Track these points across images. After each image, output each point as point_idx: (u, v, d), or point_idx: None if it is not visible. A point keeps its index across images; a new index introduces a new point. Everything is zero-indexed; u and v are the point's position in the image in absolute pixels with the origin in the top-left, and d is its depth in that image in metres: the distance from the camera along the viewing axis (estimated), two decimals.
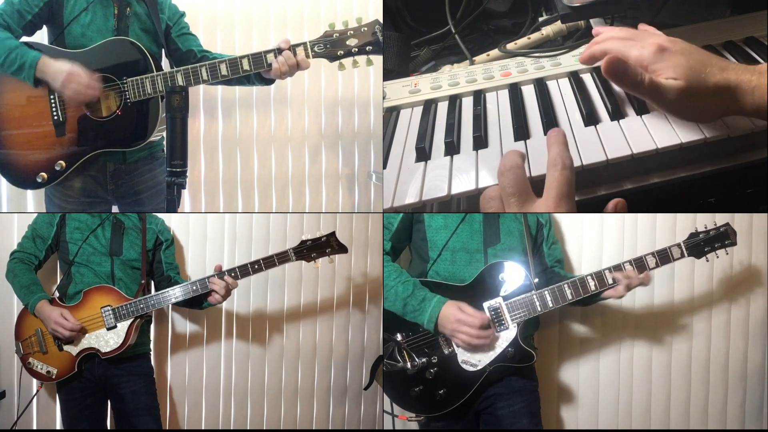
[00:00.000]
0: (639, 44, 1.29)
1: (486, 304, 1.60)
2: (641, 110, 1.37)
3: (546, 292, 1.61)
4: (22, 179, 1.86)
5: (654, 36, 1.32)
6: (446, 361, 1.60)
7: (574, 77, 1.56)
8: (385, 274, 1.65)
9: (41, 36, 1.89)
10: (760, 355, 2.14)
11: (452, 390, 1.60)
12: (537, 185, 1.24)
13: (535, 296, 1.61)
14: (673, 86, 1.22)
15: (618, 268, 1.63)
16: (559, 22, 1.79)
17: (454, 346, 1.60)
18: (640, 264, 1.64)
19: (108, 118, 1.80)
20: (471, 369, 1.59)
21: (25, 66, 1.73)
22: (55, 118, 1.79)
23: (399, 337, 1.61)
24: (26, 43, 1.78)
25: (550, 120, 1.40)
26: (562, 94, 1.51)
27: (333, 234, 1.82)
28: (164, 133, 1.50)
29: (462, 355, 1.60)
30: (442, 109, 1.57)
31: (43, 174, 1.81)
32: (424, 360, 1.59)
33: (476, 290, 1.62)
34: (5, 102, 1.81)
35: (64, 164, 1.81)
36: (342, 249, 1.83)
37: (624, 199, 1.22)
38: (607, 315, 2.07)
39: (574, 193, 1.18)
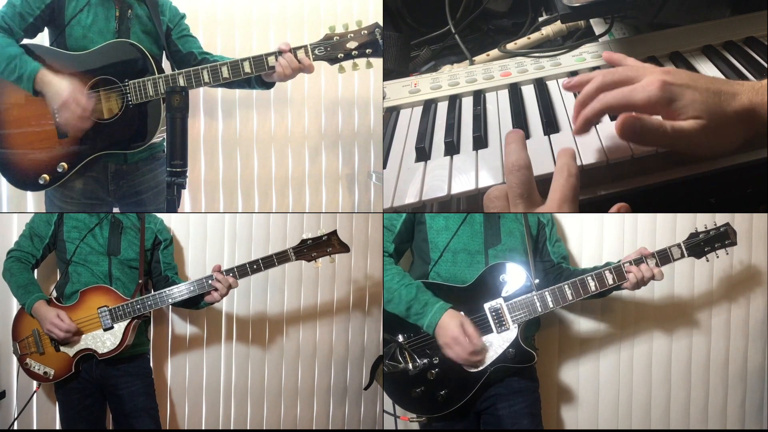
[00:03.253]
0: (639, 87, 1.17)
1: (487, 305, 1.60)
2: None
3: (546, 293, 1.61)
4: (23, 180, 1.85)
5: (646, 70, 1.22)
6: (447, 362, 1.59)
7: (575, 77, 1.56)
8: (388, 276, 1.65)
9: (42, 37, 1.89)
10: (760, 355, 2.14)
11: (453, 391, 1.60)
12: (538, 185, 1.24)
13: (535, 297, 1.60)
14: (696, 127, 1.15)
15: (640, 261, 1.62)
16: (559, 22, 1.79)
17: None
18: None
19: (110, 120, 1.80)
20: (472, 370, 1.59)
21: (24, 78, 1.73)
22: (57, 119, 1.79)
23: (401, 338, 1.61)
24: (28, 49, 1.78)
25: (550, 120, 1.40)
26: (562, 94, 1.51)
27: (334, 233, 1.82)
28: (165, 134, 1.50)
29: None
30: (442, 109, 1.57)
31: (46, 176, 1.81)
32: (425, 361, 1.59)
33: (477, 291, 1.61)
34: (7, 102, 1.80)
35: (66, 166, 1.81)
36: (343, 248, 1.82)
37: (627, 204, 1.20)
38: (607, 315, 2.07)
39: (578, 197, 1.19)
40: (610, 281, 1.61)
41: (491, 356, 1.59)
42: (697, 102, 1.14)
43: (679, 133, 1.15)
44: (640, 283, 1.62)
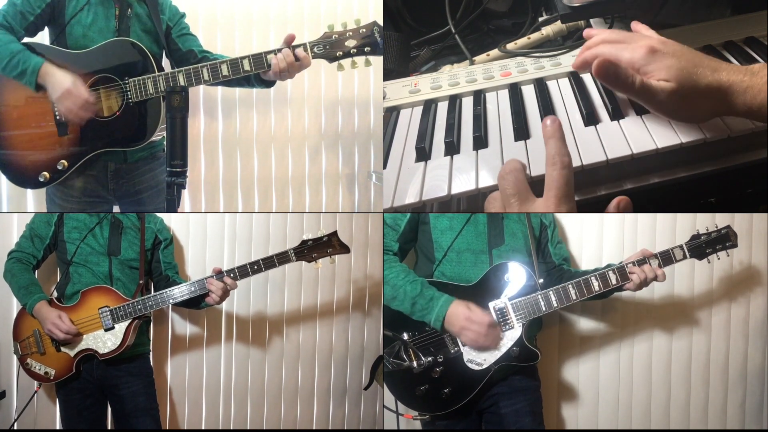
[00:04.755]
0: (630, 47, 1.28)
1: (492, 304, 1.60)
2: (641, 110, 1.37)
3: (551, 293, 1.61)
4: (23, 178, 1.86)
5: (645, 38, 1.31)
6: (452, 360, 1.60)
7: (574, 77, 1.56)
8: (393, 273, 1.65)
9: (42, 36, 1.89)
10: (760, 355, 2.14)
11: (457, 389, 1.60)
12: (538, 185, 1.24)
13: (540, 296, 1.61)
14: (664, 88, 1.22)
15: (642, 262, 1.63)
16: (559, 22, 1.79)
17: (460, 345, 1.60)
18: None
19: (109, 118, 1.80)
20: (476, 368, 1.60)
21: (27, 72, 1.73)
22: (57, 117, 1.79)
23: (405, 336, 1.61)
24: (29, 46, 1.78)
25: None
26: (562, 94, 1.51)
27: (335, 233, 1.82)
28: (165, 133, 1.50)
29: (467, 354, 1.61)
30: (442, 109, 1.57)
31: (46, 173, 1.81)
32: (430, 359, 1.60)
33: (482, 290, 1.62)
34: (7, 102, 1.81)
35: (66, 164, 1.81)
36: (344, 249, 1.83)
37: (628, 197, 1.22)
38: (607, 315, 2.08)
39: (573, 191, 1.19)
40: (614, 281, 1.62)
41: (496, 354, 1.59)
42: (672, 68, 1.22)
43: (646, 89, 1.24)
44: (643, 284, 1.62)
